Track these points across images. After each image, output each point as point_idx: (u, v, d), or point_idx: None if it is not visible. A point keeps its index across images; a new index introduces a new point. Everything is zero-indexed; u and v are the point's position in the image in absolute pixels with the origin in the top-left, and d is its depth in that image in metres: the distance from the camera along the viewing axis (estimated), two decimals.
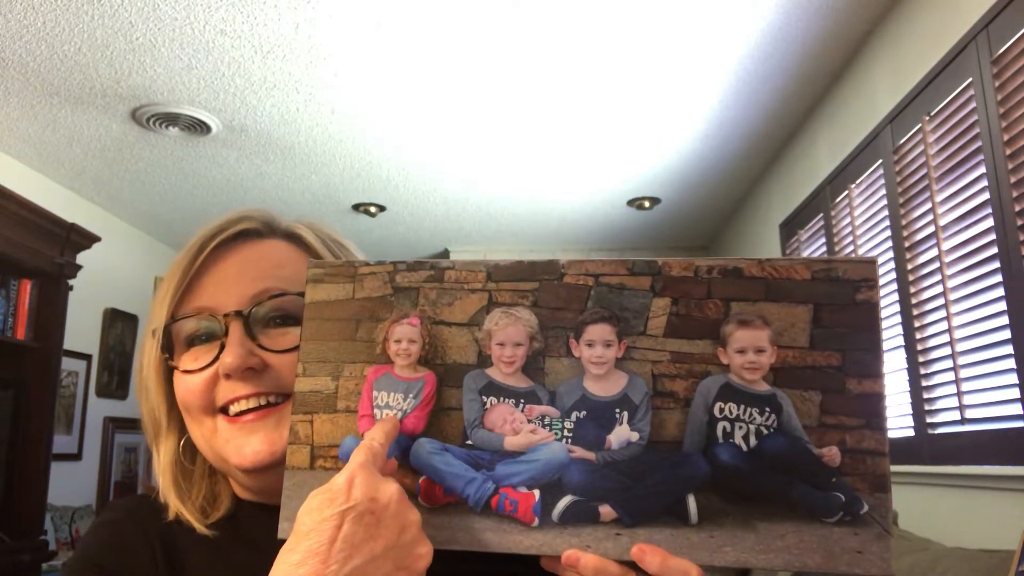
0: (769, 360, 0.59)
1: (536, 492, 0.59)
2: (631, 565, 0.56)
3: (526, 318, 0.62)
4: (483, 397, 0.62)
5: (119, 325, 4.57)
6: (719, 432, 0.59)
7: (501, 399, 0.62)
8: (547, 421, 0.61)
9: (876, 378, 0.58)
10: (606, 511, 0.58)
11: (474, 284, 0.64)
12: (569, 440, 0.60)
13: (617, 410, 0.60)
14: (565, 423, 0.61)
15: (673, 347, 0.60)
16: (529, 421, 0.61)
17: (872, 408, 0.57)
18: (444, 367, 0.63)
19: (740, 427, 0.59)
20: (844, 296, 0.59)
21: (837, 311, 0.59)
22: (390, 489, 0.55)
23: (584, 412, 0.60)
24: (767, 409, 0.58)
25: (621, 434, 0.60)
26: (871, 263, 0.59)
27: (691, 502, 0.58)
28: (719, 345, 0.59)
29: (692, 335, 0.60)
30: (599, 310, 0.61)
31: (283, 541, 0.60)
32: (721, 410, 0.59)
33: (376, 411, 0.63)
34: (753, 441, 0.58)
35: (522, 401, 0.62)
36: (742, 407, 0.59)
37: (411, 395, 0.63)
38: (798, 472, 0.57)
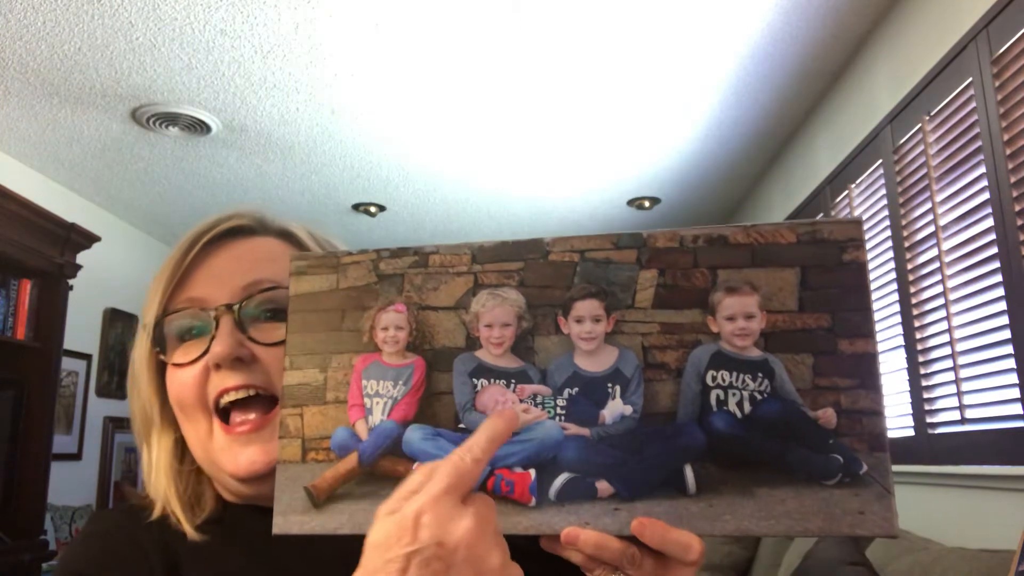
0: (759, 325, 0.58)
1: (532, 472, 0.58)
2: (632, 539, 0.55)
3: (513, 298, 0.62)
4: (473, 380, 0.62)
5: (119, 325, 4.57)
6: (713, 400, 0.58)
7: (492, 380, 0.61)
8: (539, 400, 0.60)
9: (867, 337, 0.57)
10: (603, 486, 0.58)
11: (459, 267, 0.63)
12: (562, 417, 0.60)
13: (609, 385, 0.60)
14: (558, 401, 0.60)
15: (662, 318, 0.60)
16: (521, 401, 0.60)
17: (865, 368, 0.57)
18: (433, 352, 0.63)
19: (734, 394, 0.58)
20: (831, 257, 0.58)
21: (825, 273, 0.58)
22: (461, 528, 0.48)
23: (576, 389, 0.60)
24: (760, 375, 0.58)
25: (614, 408, 0.59)
26: (857, 223, 0.59)
27: (688, 472, 0.57)
28: (708, 314, 0.59)
29: (680, 305, 0.59)
30: (586, 285, 0.61)
31: (277, 536, 0.59)
32: (714, 378, 0.58)
33: (366, 400, 0.63)
34: (747, 407, 0.58)
35: (513, 381, 0.61)
36: (734, 374, 0.58)
37: (400, 382, 0.63)
38: (794, 436, 0.57)
